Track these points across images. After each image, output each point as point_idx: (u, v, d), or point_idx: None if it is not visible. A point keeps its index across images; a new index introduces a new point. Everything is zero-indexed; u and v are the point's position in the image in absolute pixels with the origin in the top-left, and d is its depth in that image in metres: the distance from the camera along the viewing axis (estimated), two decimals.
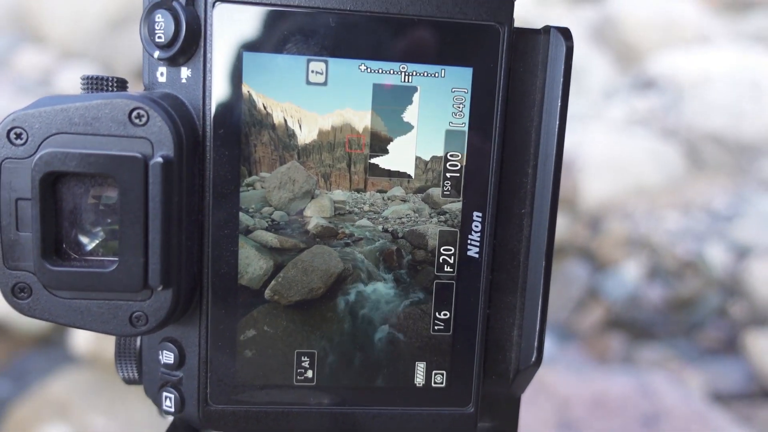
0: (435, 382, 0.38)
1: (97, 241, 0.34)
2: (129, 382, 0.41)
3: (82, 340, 2.31)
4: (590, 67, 4.67)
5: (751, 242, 3.14)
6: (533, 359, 0.38)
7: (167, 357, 0.37)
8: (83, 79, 0.35)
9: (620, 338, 2.85)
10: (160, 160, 0.31)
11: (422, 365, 0.38)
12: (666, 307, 3.02)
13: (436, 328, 0.38)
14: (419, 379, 0.38)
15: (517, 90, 0.37)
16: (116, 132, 0.32)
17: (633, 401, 2.16)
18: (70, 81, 4.02)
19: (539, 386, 2.19)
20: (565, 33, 0.36)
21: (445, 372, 0.38)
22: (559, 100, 0.36)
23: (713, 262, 3.09)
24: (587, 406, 2.14)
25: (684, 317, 2.97)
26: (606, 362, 2.75)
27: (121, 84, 0.36)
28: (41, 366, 2.46)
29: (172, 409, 0.38)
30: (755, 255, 3.06)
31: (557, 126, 0.36)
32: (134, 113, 0.32)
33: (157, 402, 0.38)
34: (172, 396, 0.38)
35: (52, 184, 0.32)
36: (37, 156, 0.31)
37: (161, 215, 0.32)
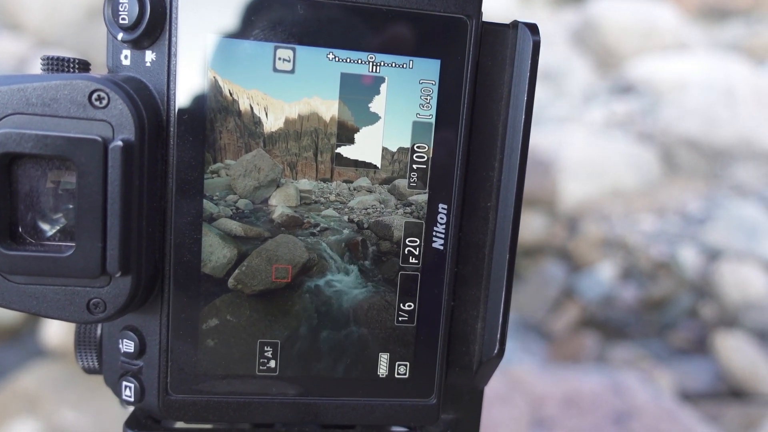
0: (398, 373, 0.38)
1: (58, 227, 0.33)
2: (89, 371, 0.40)
3: (52, 333, 2.27)
4: (571, 70, 4.72)
5: (722, 245, 3.22)
6: (495, 351, 0.38)
7: (127, 345, 0.36)
8: (43, 59, 0.34)
9: (594, 338, 2.89)
10: (119, 143, 0.31)
11: (386, 356, 0.38)
12: (639, 307, 3.08)
13: (400, 319, 0.38)
14: (382, 370, 0.38)
15: (485, 84, 0.37)
16: (75, 114, 0.31)
17: (605, 399, 2.19)
18: None
19: (513, 384, 2.21)
20: (533, 28, 0.36)
21: (408, 363, 0.38)
22: (525, 95, 0.36)
23: (685, 264, 3.16)
24: (560, 405, 2.17)
25: (656, 317, 3.04)
26: (579, 361, 2.79)
27: (84, 66, 0.35)
28: (10, 360, 2.41)
29: (132, 399, 0.37)
30: (726, 258, 3.14)
31: (523, 120, 0.36)
32: (94, 95, 0.31)
33: (117, 391, 0.38)
34: (132, 385, 0.37)
35: (8, 165, 0.31)
36: None
37: (120, 200, 0.31)
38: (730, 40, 5.11)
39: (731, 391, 2.59)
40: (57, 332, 2.28)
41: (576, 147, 3.81)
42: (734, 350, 2.69)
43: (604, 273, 3.21)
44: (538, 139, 3.91)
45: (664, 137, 3.98)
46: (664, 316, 3.03)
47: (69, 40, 4.37)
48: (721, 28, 5.40)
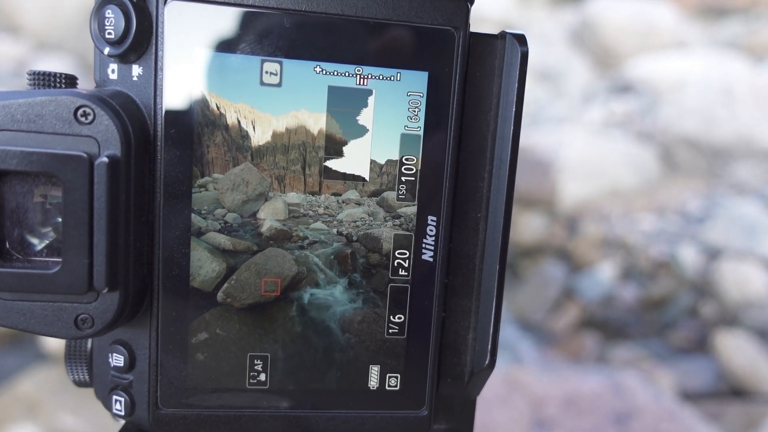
0: (389, 385, 0.38)
1: (45, 242, 0.33)
2: (80, 384, 0.40)
3: (52, 338, 2.27)
4: (569, 70, 4.72)
5: (722, 244, 3.22)
6: (487, 362, 0.38)
7: (117, 360, 0.36)
8: (30, 74, 0.34)
9: (594, 338, 2.89)
10: (105, 159, 0.31)
11: (376, 368, 0.38)
12: (639, 307, 3.08)
13: (390, 331, 0.38)
14: (373, 382, 0.38)
15: (474, 95, 0.37)
16: (61, 130, 0.31)
17: (605, 400, 2.19)
18: None
19: (513, 385, 2.21)
20: (521, 39, 0.36)
21: (399, 375, 0.38)
22: (514, 105, 0.36)
23: (685, 263, 3.16)
24: (561, 405, 2.17)
25: (656, 317, 3.03)
26: (580, 361, 2.79)
27: (70, 81, 0.35)
28: (10, 364, 2.41)
29: (122, 413, 0.37)
30: (726, 257, 3.14)
31: (512, 131, 0.36)
32: (80, 111, 0.31)
33: (107, 405, 0.38)
34: (122, 399, 0.37)
35: None
36: None
37: (107, 216, 0.31)
38: (729, 38, 5.11)
39: (732, 391, 2.59)
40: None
41: (575, 147, 3.81)
42: (735, 349, 2.69)
43: (604, 273, 3.21)
44: (536, 139, 3.91)
45: (663, 136, 3.98)
46: (664, 316, 3.03)
47: (68, 42, 4.38)
48: (720, 26, 5.40)
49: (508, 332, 2.93)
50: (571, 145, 3.82)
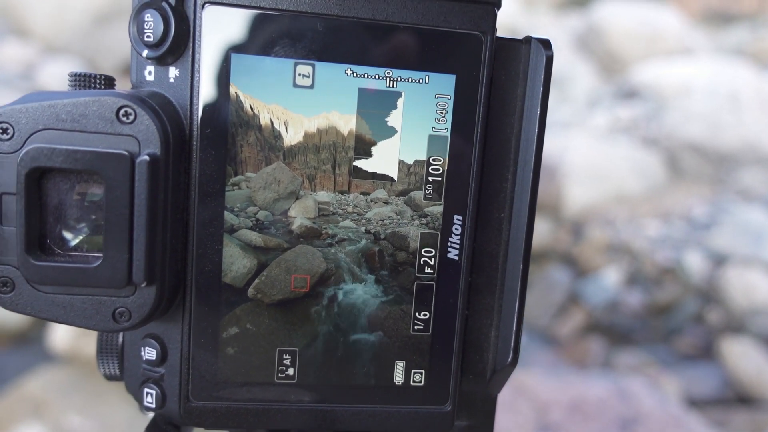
0: (414, 381, 0.39)
1: (81, 237, 0.34)
2: (110, 378, 0.41)
3: (59, 338, 2.28)
4: (575, 75, 4.73)
5: (728, 250, 3.21)
6: (509, 359, 0.39)
7: (149, 353, 0.37)
8: (71, 76, 0.35)
9: (599, 343, 2.89)
10: (146, 158, 0.32)
11: (401, 364, 0.39)
12: (645, 313, 3.07)
13: (415, 328, 0.39)
14: (398, 378, 0.39)
15: (499, 98, 0.38)
16: (103, 129, 0.32)
17: (610, 405, 2.19)
18: (52, 76, 3.97)
19: (519, 390, 2.21)
20: (545, 44, 0.37)
21: (423, 371, 0.39)
22: (539, 109, 0.37)
23: (691, 269, 3.15)
24: (566, 410, 2.17)
25: (662, 323, 3.03)
26: (585, 367, 2.79)
27: (109, 81, 0.36)
28: (17, 364, 2.42)
29: (153, 405, 0.38)
30: (732, 263, 3.13)
31: (536, 133, 0.37)
32: (122, 111, 0.32)
33: (138, 398, 0.39)
34: (154, 392, 0.38)
35: (38, 179, 0.32)
36: (23, 151, 0.31)
37: (147, 212, 0.32)
38: (735, 44, 5.11)
39: (738, 397, 2.58)
40: (63, 337, 2.30)
41: (580, 152, 3.81)
42: (741, 356, 2.68)
43: (610, 278, 3.20)
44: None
45: (668, 142, 3.98)
46: (670, 322, 3.02)
47: (76, 45, 4.41)
48: (726, 32, 5.40)
49: None
50: (576, 150, 3.82)
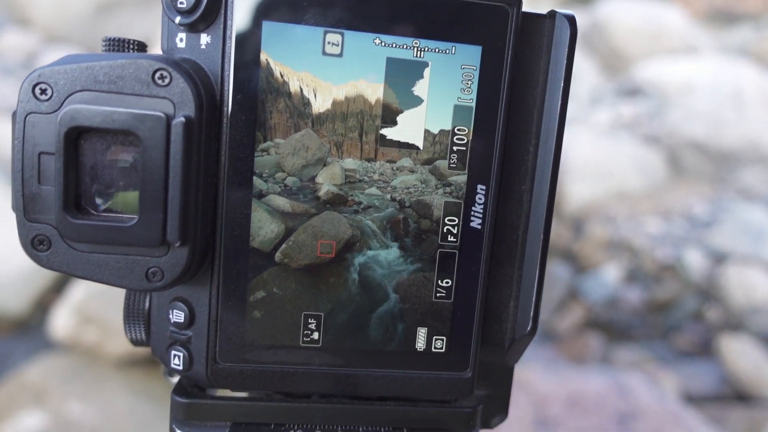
0: (435, 347, 0.40)
1: (116, 197, 0.35)
2: (136, 343, 0.42)
3: (60, 326, 2.29)
4: (578, 72, 4.73)
5: (728, 249, 3.23)
6: (528, 329, 0.40)
7: (177, 316, 0.38)
8: (105, 40, 0.36)
9: (598, 339, 2.90)
10: (182, 119, 0.32)
11: (423, 330, 0.40)
12: (644, 309, 3.09)
13: (437, 295, 0.39)
14: (420, 344, 0.40)
15: (523, 71, 0.39)
16: (139, 91, 0.33)
17: (609, 401, 2.20)
18: None
19: (518, 385, 2.22)
20: (571, 19, 0.38)
21: (445, 338, 0.40)
22: (562, 82, 0.38)
23: (691, 266, 3.17)
24: (564, 405, 2.18)
25: (661, 320, 3.04)
26: (584, 362, 2.80)
27: (141, 47, 0.36)
28: (18, 352, 2.43)
29: (181, 367, 0.39)
30: (731, 261, 3.14)
31: (559, 107, 0.38)
32: (157, 74, 0.33)
33: (165, 361, 0.39)
34: (181, 354, 0.39)
35: (75, 139, 0.33)
36: (62, 111, 0.32)
37: (181, 173, 0.33)
38: (738, 43, 5.11)
39: (736, 395, 2.60)
40: (64, 325, 2.30)
41: (582, 149, 3.82)
42: (739, 353, 2.70)
43: (609, 275, 3.22)
44: None
45: (670, 140, 3.99)
46: (669, 319, 3.03)
47: (77, 35, 4.40)
48: (729, 31, 5.40)
49: None
50: (578, 146, 3.83)
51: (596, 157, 3.79)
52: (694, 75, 4.24)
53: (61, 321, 2.30)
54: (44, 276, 2.62)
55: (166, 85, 0.33)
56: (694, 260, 3.20)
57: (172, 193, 0.33)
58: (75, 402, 2.16)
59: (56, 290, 2.61)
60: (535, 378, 2.28)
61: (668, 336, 2.97)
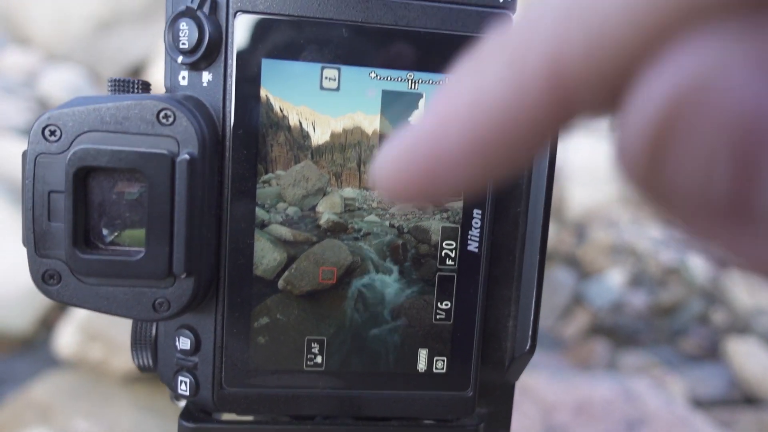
0: (436, 368, 0.41)
1: (123, 232, 0.36)
2: (144, 369, 0.43)
3: (64, 343, 2.30)
4: None
5: None
6: (528, 347, 0.41)
7: (184, 343, 0.39)
8: (111, 82, 0.38)
9: (604, 344, 2.90)
10: (186, 157, 0.34)
11: (424, 352, 0.41)
12: (649, 314, 3.08)
13: (437, 317, 0.40)
14: (421, 365, 0.41)
15: None
16: (145, 131, 0.34)
17: (616, 406, 2.19)
18: (54, 83, 4.00)
19: (525, 392, 2.22)
20: None
21: (445, 358, 0.41)
22: None
23: (696, 270, 3.17)
24: (571, 412, 2.18)
25: (667, 324, 3.04)
26: (590, 368, 2.79)
27: (146, 86, 0.38)
28: (23, 369, 2.43)
29: (187, 393, 0.40)
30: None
31: None
32: (162, 113, 0.34)
33: (173, 386, 0.41)
34: (188, 380, 0.40)
35: (83, 178, 0.34)
36: (71, 152, 0.33)
37: (186, 208, 0.34)
38: None
39: (744, 398, 2.59)
40: (69, 342, 2.31)
41: (583, 153, 3.83)
42: (746, 356, 2.69)
43: (614, 279, 3.22)
44: None
45: None
46: (675, 323, 3.03)
47: (77, 53, 4.45)
48: None
49: None
50: (579, 151, 3.84)
51: (597, 162, 3.80)
52: None
53: (66, 338, 2.31)
54: None
55: (170, 124, 0.34)
56: (699, 263, 3.19)
57: (178, 227, 0.34)
58: (81, 419, 2.17)
59: (61, 308, 2.62)
60: (542, 385, 2.27)
61: (674, 340, 2.96)
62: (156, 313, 0.36)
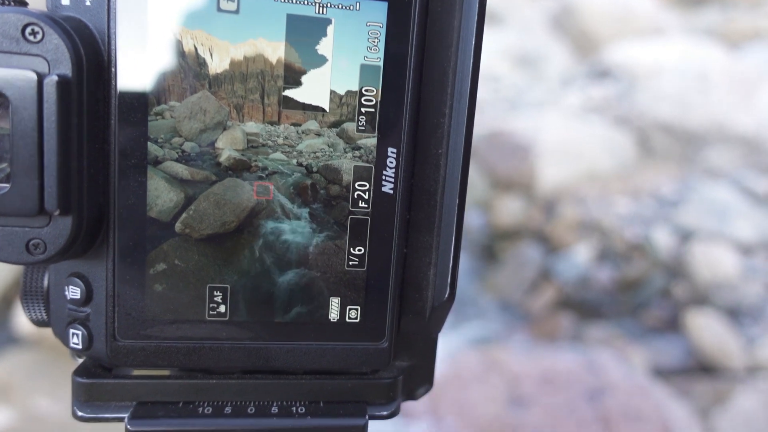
0: (349, 318, 0.39)
1: None
2: (37, 323, 0.39)
3: (25, 321, 2.23)
4: (549, 54, 4.75)
5: (695, 227, 3.29)
6: (446, 295, 0.39)
7: (73, 292, 0.36)
8: None
9: (570, 318, 2.95)
10: (55, 78, 0.30)
11: (336, 300, 0.38)
12: (614, 288, 3.14)
13: (350, 263, 0.38)
14: (333, 314, 0.38)
15: (435, 30, 0.37)
16: (7, 48, 0.30)
17: (579, 377, 2.24)
18: None
19: (491, 363, 2.24)
20: None
21: (359, 307, 0.39)
22: (473, 39, 0.36)
23: (659, 245, 3.23)
24: (536, 383, 2.21)
25: (630, 298, 3.10)
26: (556, 340, 2.85)
27: (19, 2, 0.34)
28: None
29: (80, 347, 0.37)
30: (698, 239, 3.21)
31: (471, 66, 0.36)
32: (28, 29, 0.30)
33: (65, 340, 0.37)
34: (80, 333, 0.37)
35: None
36: None
37: (57, 136, 0.30)
38: (706, 25, 5.18)
39: (701, 367, 2.67)
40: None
41: (553, 131, 3.84)
42: (704, 328, 2.77)
43: (580, 255, 3.26)
44: (516, 123, 3.94)
45: (639, 121, 4.04)
46: (638, 296, 3.10)
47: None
48: (697, 13, 5.47)
49: (487, 311, 2.97)
50: (549, 129, 3.85)
51: (567, 140, 3.82)
52: (661, 57, 4.29)
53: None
54: (8, 270, 2.55)
55: (38, 42, 0.30)
56: (662, 239, 3.26)
57: (48, 157, 0.30)
58: (41, 397, 2.12)
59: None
60: (509, 357, 2.30)
61: (637, 313, 3.03)
62: (30, 256, 0.32)
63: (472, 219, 3.42)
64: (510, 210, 3.53)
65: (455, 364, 2.14)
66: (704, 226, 3.29)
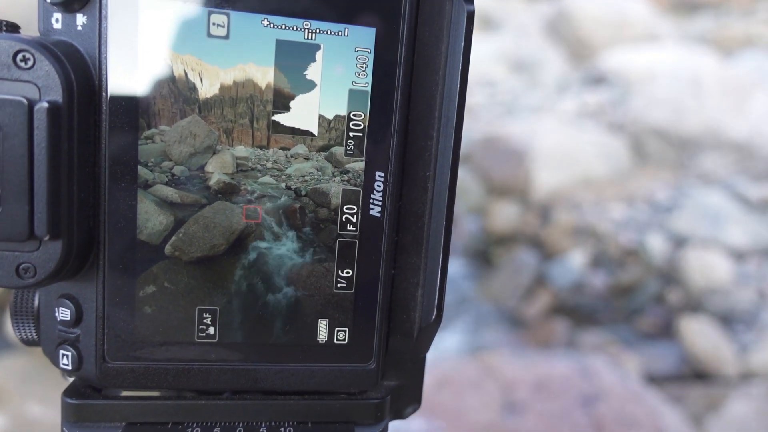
0: (337, 339, 0.39)
1: None
2: (27, 342, 0.40)
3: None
4: (544, 61, 4.77)
5: (688, 233, 3.31)
6: (434, 317, 0.39)
7: (63, 314, 0.36)
8: None
9: (564, 324, 2.95)
10: (45, 104, 0.30)
11: (325, 322, 0.39)
12: (608, 293, 3.15)
13: (338, 285, 0.38)
14: (322, 336, 0.39)
15: (423, 54, 0.37)
16: (0, 75, 0.30)
17: (574, 383, 2.25)
18: None
19: (485, 370, 2.25)
20: None
21: (347, 329, 0.39)
22: (460, 65, 0.37)
23: (653, 251, 3.24)
24: (531, 389, 2.22)
25: (624, 303, 3.11)
26: (550, 346, 2.85)
27: (12, 27, 0.34)
28: None
29: (70, 367, 0.37)
30: (691, 245, 3.23)
31: (458, 90, 0.37)
32: (19, 56, 0.30)
33: (55, 361, 0.38)
34: (69, 354, 0.37)
35: None
36: None
37: (47, 162, 0.31)
38: (699, 32, 5.22)
39: (695, 373, 2.68)
40: None
41: (548, 136, 3.86)
42: (698, 334, 2.78)
43: (575, 260, 3.27)
44: (511, 128, 3.95)
45: (633, 127, 4.06)
46: (632, 302, 3.11)
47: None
48: (691, 20, 5.51)
49: (482, 316, 2.97)
50: (544, 134, 3.87)
51: (562, 145, 3.84)
52: (656, 63, 4.32)
53: None
54: None
55: (29, 68, 0.31)
56: (656, 244, 3.27)
57: (38, 183, 0.31)
58: (35, 403, 2.11)
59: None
60: (503, 363, 2.31)
61: (631, 319, 3.04)
62: (20, 280, 0.32)
63: (467, 224, 3.43)
64: (505, 215, 3.54)
65: (449, 369, 2.14)
66: (698, 232, 3.31)
